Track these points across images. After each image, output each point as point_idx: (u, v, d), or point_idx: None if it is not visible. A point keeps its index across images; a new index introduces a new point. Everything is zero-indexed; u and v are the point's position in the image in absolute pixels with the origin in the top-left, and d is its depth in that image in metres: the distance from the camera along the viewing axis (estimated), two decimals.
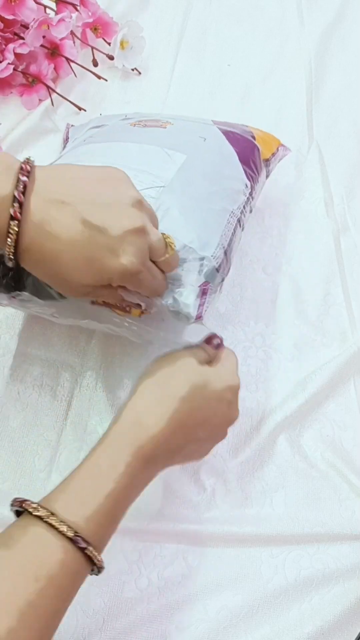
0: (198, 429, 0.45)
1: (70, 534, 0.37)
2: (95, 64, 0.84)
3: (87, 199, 0.41)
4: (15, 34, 0.78)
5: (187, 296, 0.47)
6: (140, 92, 0.84)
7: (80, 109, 0.80)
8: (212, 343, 0.49)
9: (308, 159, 0.80)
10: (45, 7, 0.81)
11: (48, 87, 0.79)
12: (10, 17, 0.76)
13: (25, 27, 0.77)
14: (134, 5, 0.91)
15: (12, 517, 0.53)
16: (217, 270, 0.50)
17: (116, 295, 0.46)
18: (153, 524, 0.55)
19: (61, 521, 0.38)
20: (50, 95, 0.80)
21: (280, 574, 0.54)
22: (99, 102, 0.82)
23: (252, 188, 0.59)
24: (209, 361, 0.49)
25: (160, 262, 0.45)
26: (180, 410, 0.43)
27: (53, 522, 0.37)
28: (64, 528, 0.37)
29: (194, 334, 0.51)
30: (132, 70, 0.85)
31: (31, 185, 0.39)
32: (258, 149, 0.62)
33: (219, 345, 0.50)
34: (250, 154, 0.61)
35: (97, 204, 0.41)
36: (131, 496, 0.42)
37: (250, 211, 0.60)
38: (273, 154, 0.66)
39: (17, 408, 0.60)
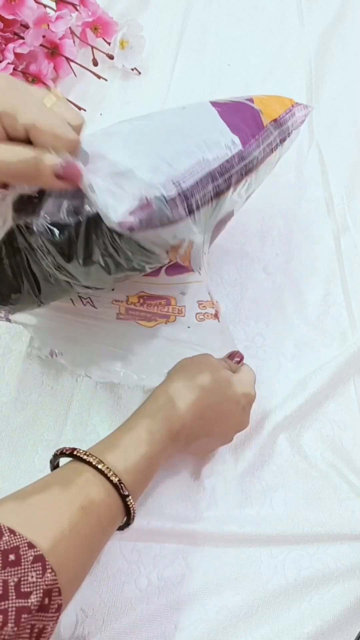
0: (214, 424, 0.51)
1: (115, 479, 0.42)
2: (95, 64, 0.84)
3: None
4: (15, 33, 0.78)
5: (121, 199, 0.42)
6: (140, 92, 0.84)
7: (80, 108, 0.80)
8: (234, 358, 0.57)
9: (308, 159, 0.80)
10: (45, 6, 0.81)
11: (48, 86, 0.79)
12: (10, 17, 0.76)
13: (25, 26, 0.77)
14: (134, 4, 0.91)
15: None
16: (166, 202, 0.45)
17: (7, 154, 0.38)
18: (153, 523, 0.55)
19: (108, 467, 0.42)
20: None
21: (280, 573, 0.54)
22: (98, 101, 0.82)
23: (246, 145, 0.54)
24: (231, 370, 0.54)
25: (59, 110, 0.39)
26: (203, 400, 0.49)
27: (102, 468, 0.42)
28: (110, 473, 0.42)
29: (220, 346, 0.57)
30: (132, 70, 0.85)
31: None
32: (254, 109, 0.58)
33: (240, 362, 0.57)
34: (241, 113, 0.57)
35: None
36: (159, 463, 0.47)
37: (246, 173, 0.54)
38: (285, 113, 0.61)
39: (17, 408, 0.60)
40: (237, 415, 0.53)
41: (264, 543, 0.55)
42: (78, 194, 0.42)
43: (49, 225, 0.43)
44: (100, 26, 0.83)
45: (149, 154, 0.48)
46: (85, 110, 0.80)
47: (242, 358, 0.57)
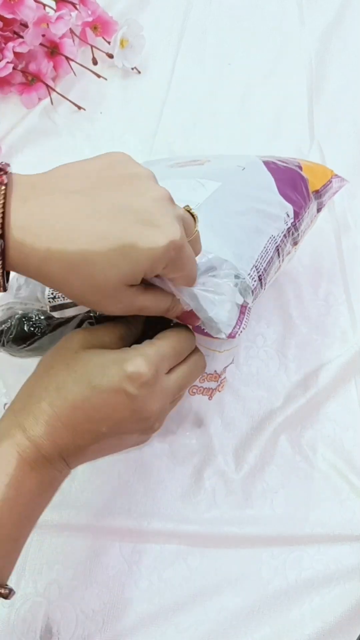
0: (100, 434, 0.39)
1: None
2: (95, 63, 0.84)
3: (97, 184, 0.34)
4: (14, 32, 0.78)
5: (226, 308, 0.42)
6: (140, 92, 0.84)
7: (79, 108, 0.80)
8: None
9: (309, 158, 0.79)
10: (44, 5, 0.81)
11: (47, 85, 0.79)
12: (10, 15, 0.76)
13: (25, 25, 0.77)
14: (134, 4, 0.91)
15: None
16: (252, 292, 0.46)
17: (156, 301, 0.39)
18: (153, 524, 0.54)
19: None
20: (49, 94, 0.80)
21: (281, 574, 0.54)
22: (99, 101, 0.82)
23: (297, 217, 0.54)
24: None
25: (191, 239, 0.38)
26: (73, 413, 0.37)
27: None
28: None
29: None
30: (132, 69, 0.85)
31: (11, 187, 0.33)
32: (304, 179, 0.57)
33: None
34: (293, 182, 0.56)
35: (110, 184, 0.34)
36: (30, 506, 0.37)
37: (295, 243, 0.54)
38: (324, 185, 0.60)
39: None
40: (128, 409, 0.38)
41: (265, 544, 0.55)
42: None
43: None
44: (100, 25, 0.83)
45: (229, 233, 0.48)
46: (84, 109, 0.80)
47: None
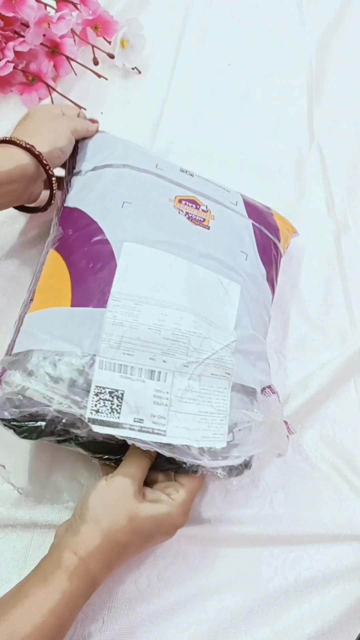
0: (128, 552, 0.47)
1: None
2: (96, 63, 0.84)
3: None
4: (15, 32, 0.78)
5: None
6: (141, 91, 0.84)
7: (79, 107, 0.80)
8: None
9: (309, 158, 0.80)
10: (45, 5, 0.81)
11: (48, 85, 0.79)
12: (11, 14, 0.76)
13: (26, 25, 0.77)
14: (134, 3, 0.91)
15: (10, 517, 0.53)
16: None
17: None
18: None
19: None
20: (50, 94, 0.80)
21: (281, 574, 0.54)
22: (99, 101, 0.82)
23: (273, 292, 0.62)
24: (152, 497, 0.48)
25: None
26: (114, 552, 0.45)
27: None
28: None
29: None
30: (133, 69, 0.85)
31: None
32: (278, 250, 0.63)
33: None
34: (276, 268, 0.63)
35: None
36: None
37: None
38: (287, 245, 0.67)
39: None
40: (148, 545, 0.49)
41: (265, 544, 0.55)
42: None
43: None
44: (100, 25, 0.83)
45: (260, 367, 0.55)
46: (85, 109, 0.80)
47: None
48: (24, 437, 0.48)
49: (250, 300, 0.56)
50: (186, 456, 0.47)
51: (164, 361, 0.48)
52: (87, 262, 0.51)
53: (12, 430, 0.48)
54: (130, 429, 0.46)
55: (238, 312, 0.54)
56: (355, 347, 0.65)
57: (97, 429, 0.45)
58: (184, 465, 0.48)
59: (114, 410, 0.46)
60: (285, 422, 0.54)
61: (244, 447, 0.49)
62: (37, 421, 0.47)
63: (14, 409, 0.46)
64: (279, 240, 0.63)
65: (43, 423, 0.47)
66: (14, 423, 0.47)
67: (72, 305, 0.49)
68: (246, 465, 0.51)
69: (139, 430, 0.46)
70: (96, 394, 0.46)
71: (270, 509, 0.57)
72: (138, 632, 0.51)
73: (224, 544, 0.55)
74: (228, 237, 0.58)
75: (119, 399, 0.46)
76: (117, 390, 0.47)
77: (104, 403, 0.46)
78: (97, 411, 0.46)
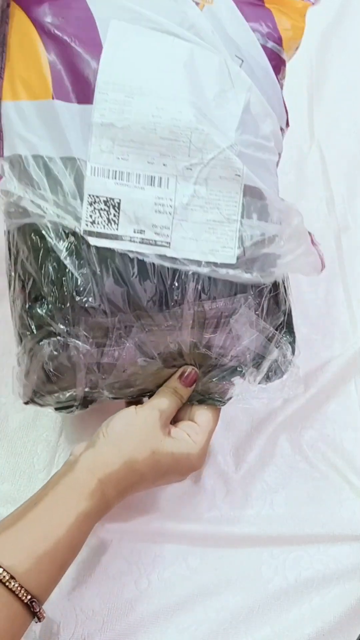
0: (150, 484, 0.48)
1: (26, 598, 0.39)
2: None
3: None
4: None
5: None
6: None
7: None
8: (184, 378, 0.48)
9: (309, 158, 0.80)
10: None
11: None
12: None
13: None
14: None
15: None
16: None
17: None
18: (153, 524, 0.54)
19: (19, 586, 0.38)
20: None
21: (281, 574, 0.54)
22: None
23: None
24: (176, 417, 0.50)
25: None
26: (134, 484, 0.46)
27: (13, 587, 0.38)
28: (22, 592, 0.38)
29: None
30: None
31: None
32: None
33: (191, 382, 0.48)
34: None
35: None
36: (78, 540, 0.44)
37: None
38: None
39: (17, 408, 0.60)
40: (172, 479, 0.50)
41: (265, 544, 0.55)
42: None
43: None
44: None
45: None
46: None
47: (193, 381, 0.49)
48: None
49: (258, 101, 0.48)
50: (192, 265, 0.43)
51: (164, 164, 0.43)
52: (66, 39, 0.44)
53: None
54: (130, 241, 0.43)
55: (243, 114, 0.46)
56: (356, 347, 0.65)
57: (94, 241, 0.42)
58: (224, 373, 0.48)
59: (111, 221, 0.42)
60: (310, 234, 0.50)
61: (264, 266, 0.45)
62: (72, 406, 0.48)
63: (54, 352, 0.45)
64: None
65: (76, 404, 0.48)
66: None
67: (53, 97, 0.43)
68: (285, 368, 0.50)
69: (140, 242, 0.43)
70: (90, 204, 0.42)
71: (270, 509, 0.57)
72: (138, 632, 0.51)
73: (224, 544, 0.55)
74: (228, 22, 0.49)
75: (116, 209, 0.43)
76: (112, 199, 0.43)
77: (100, 213, 0.42)
78: (93, 222, 0.42)
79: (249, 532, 0.55)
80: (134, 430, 0.46)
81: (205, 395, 0.50)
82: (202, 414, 0.50)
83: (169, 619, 0.52)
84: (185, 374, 0.48)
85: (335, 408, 0.62)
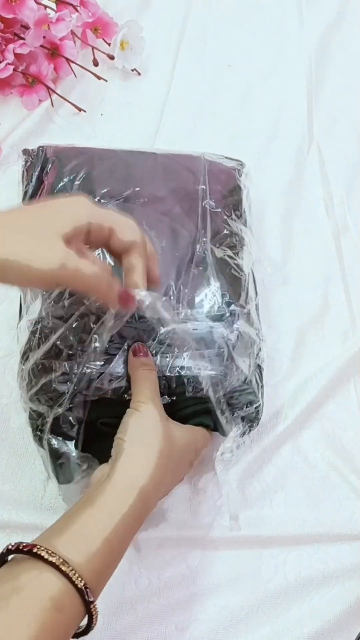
0: (172, 479, 0.49)
1: (80, 583, 0.37)
2: (96, 64, 0.84)
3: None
4: (15, 34, 0.78)
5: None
6: (140, 93, 0.84)
7: (80, 109, 0.80)
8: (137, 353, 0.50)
9: (308, 158, 0.80)
10: (45, 7, 0.81)
11: (48, 87, 0.79)
12: (10, 16, 0.76)
13: (26, 27, 0.77)
14: (134, 5, 0.91)
15: (11, 520, 0.53)
16: None
17: (92, 269, 0.43)
18: (153, 524, 0.55)
19: (73, 570, 0.37)
20: (50, 95, 0.80)
21: (281, 574, 0.54)
22: (98, 102, 0.82)
23: None
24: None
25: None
26: (163, 467, 0.46)
27: (66, 570, 0.37)
28: (75, 576, 0.37)
29: None
30: (132, 70, 0.85)
31: None
32: None
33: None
34: None
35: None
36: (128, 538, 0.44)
37: None
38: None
39: (18, 409, 0.60)
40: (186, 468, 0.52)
41: (265, 544, 0.55)
42: None
43: None
44: (100, 27, 0.83)
45: None
46: (85, 111, 0.80)
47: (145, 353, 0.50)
48: None
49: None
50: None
51: None
52: None
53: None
54: None
55: None
56: (356, 347, 0.65)
57: None
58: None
59: None
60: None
61: None
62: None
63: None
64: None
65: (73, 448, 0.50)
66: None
67: None
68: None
69: None
70: None
71: (270, 509, 0.57)
72: (138, 632, 0.51)
73: (224, 544, 0.55)
74: None
75: None
76: None
77: None
78: None
79: (248, 533, 0.55)
80: (149, 429, 0.46)
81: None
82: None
83: (169, 618, 0.52)
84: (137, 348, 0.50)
85: (335, 408, 0.62)
